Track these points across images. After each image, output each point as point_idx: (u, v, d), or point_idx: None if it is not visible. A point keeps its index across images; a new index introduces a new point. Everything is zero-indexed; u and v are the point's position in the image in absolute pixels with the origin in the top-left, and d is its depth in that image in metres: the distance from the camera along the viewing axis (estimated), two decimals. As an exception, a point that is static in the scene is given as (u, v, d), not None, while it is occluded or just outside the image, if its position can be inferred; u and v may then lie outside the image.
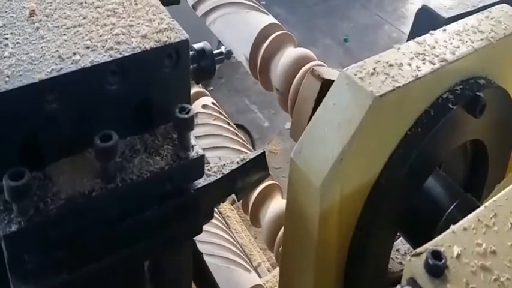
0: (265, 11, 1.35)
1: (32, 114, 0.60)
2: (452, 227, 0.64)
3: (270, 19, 1.31)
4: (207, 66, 1.11)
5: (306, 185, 0.82)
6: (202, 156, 0.67)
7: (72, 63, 0.62)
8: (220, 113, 1.59)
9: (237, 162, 0.79)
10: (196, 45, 1.13)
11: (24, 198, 0.56)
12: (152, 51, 0.66)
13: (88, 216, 0.61)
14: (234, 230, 2.01)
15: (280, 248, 1.05)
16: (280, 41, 1.26)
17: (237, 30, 1.32)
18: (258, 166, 0.81)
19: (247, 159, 0.79)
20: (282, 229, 1.13)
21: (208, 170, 0.73)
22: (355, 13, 4.28)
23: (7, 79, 0.59)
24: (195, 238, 0.82)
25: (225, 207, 2.11)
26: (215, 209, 1.60)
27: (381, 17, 4.26)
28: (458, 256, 0.61)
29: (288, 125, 3.47)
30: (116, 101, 0.65)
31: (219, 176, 0.74)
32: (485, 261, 0.61)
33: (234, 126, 1.58)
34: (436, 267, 0.58)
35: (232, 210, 2.13)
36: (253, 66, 1.30)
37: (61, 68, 0.61)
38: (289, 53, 1.23)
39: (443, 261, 0.59)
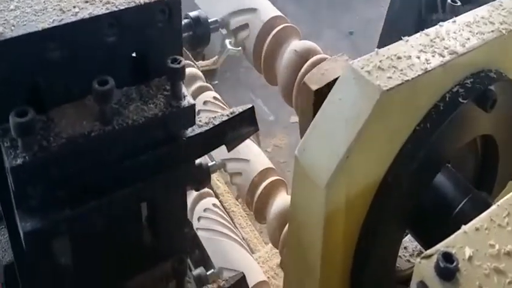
0: (269, 3, 1.33)
1: (36, 60, 0.66)
2: (464, 227, 0.62)
3: (274, 12, 1.29)
4: (202, 33, 1.16)
5: (311, 184, 0.80)
6: (193, 105, 0.73)
7: (72, 15, 0.67)
8: (224, 108, 1.57)
9: (227, 115, 0.83)
10: (192, 14, 1.17)
11: (28, 134, 0.63)
12: (146, 6, 0.71)
13: (88, 156, 0.67)
14: (238, 225, 1.99)
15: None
16: (284, 34, 1.24)
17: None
18: (246, 120, 0.85)
19: (237, 113, 0.83)
20: (287, 226, 1.11)
21: (199, 121, 0.79)
22: (361, 5, 4.23)
23: (13, 28, 0.65)
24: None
25: (230, 202, 2.10)
26: (219, 205, 1.60)
27: (386, 9, 4.22)
28: (470, 258, 0.59)
29: (293, 119, 3.44)
30: (113, 52, 0.71)
31: (210, 126, 0.79)
32: (498, 264, 0.59)
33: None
34: (447, 270, 0.56)
35: (237, 205, 2.11)
36: (257, 59, 1.28)
37: (62, 19, 0.67)
38: (294, 46, 1.20)
39: (454, 263, 0.56)
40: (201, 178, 0.92)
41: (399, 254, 1.03)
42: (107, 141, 0.67)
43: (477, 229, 0.62)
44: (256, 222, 2.02)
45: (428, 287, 0.56)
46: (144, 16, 0.71)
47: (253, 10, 1.28)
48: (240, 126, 0.84)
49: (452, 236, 0.61)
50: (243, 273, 0.96)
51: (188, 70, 1.66)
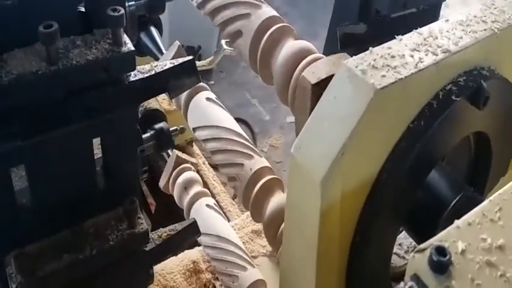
0: (265, 3, 1.34)
1: None
2: (457, 222, 0.63)
3: (270, 11, 1.30)
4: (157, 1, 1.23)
5: (307, 181, 0.81)
6: (133, 51, 0.80)
7: None
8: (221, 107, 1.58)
9: (169, 64, 0.90)
10: None
11: None
12: None
13: (36, 92, 0.75)
14: (235, 224, 2.00)
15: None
16: (280, 34, 1.25)
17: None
18: (187, 71, 0.91)
19: (177, 63, 0.89)
20: (283, 224, 1.12)
21: (142, 69, 0.85)
22: (356, 5, 4.26)
23: None
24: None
25: (226, 202, 2.11)
26: (215, 204, 1.61)
27: (381, 9, 4.23)
28: (463, 252, 0.60)
29: (289, 119, 3.45)
30: (60, 4, 0.78)
31: (152, 73, 0.86)
32: (490, 257, 0.60)
33: (234, 120, 1.56)
34: (440, 263, 0.57)
35: (233, 204, 2.12)
36: (253, 58, 1.29)
37: None
38: (290, 46, 1.21)
39: (447, 257, 0.57)
40: (161, 140, 1.02)
41: (394, 250, 1.04)
42: (52, 79, 0.75)
43: (469, 224, 0.63)
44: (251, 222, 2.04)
45: (421, 280, 0.57)
46: None
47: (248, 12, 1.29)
48: (181, 76, 0.90)
49: (445, 231, 0.62)
50: (194, 218, 1.03)
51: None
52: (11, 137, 0.76)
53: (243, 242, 1.60)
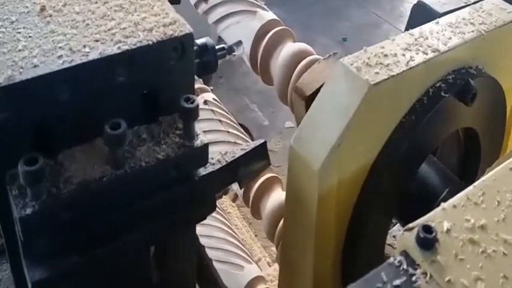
0: (266, 7, 1.39)
1: (45, 103, 0.63)
2: (443, 204, 0.68)
3: (270, 15, 1.35)
4: (209, 60, 1.14)
5: (305, 170, 0.86)
6: (206, 145, 0.70)
7: (83, 55, 0.64)
8: (222, 109, 1.62)
9: (241, 149, 0.82)
10: (199, 41, 1.15)
11: (38, 182, 0.59)
12: (158, 44, 0.69)
13: (98, 201, 0.64)
14: (234, 226, 2.04)
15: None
16: (279, 36, 1.30)
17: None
18: (259, 155, 0.84)
19: (249, 149, 0.82)
20: (283, 220, 1.16)
21: (211, 158, 0.76)
22: (353, 12, 4.31)
23: (21, 70, 0.62)
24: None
25: (226, 203, 2.14)
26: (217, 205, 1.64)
27: (378, 16, 4.29)
28: (448, 231, 0.65)
29: (287, 124, 3.50)
30: (124, 92, 0.68)
31: (223, 164, 0.77)
32: (473, 235, 0.65)
33: (235, 121, 1.61)
34: (427, 240, 0.62)
35: (233, 206, 2.16)
36: (253, 60, 1.34)
37: (72, 60, 0.64)
38: (289, 48, 1.26)
39: (433, 234, 0.62)
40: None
41: (389, 242, 1.09)
42: (118, 185, 0.64)
43: (455, 206, 0.68)
44: (252, 225, 2.07)
45: (410, 255, 0.62)
46: (156, 54, 0.69)
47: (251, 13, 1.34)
48: (252, 162, 0.83)
49: (432, 212, 0.67)
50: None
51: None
52: (65, 253, 0.64)
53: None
